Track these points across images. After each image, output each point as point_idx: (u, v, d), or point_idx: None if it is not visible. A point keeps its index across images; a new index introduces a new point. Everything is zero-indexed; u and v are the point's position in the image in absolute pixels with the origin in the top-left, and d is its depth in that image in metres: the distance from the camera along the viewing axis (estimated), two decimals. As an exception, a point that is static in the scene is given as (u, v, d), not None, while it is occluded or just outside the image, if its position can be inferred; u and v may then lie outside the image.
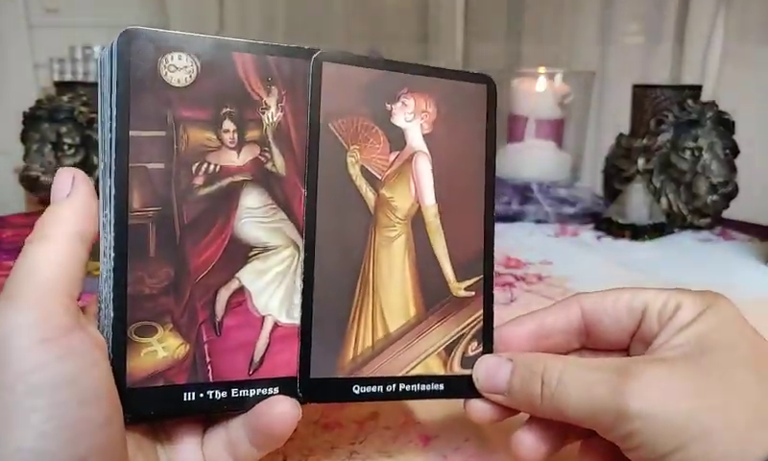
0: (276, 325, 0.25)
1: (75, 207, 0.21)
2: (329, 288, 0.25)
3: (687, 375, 0.22)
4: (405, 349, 0.27)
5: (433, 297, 0.27)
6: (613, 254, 0.68)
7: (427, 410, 0.34)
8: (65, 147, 0.75)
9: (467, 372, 0.27)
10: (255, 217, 0.24)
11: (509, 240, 0.73)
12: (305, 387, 0.25)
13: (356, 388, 0.26)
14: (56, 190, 0.22)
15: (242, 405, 0.24)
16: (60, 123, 0.75)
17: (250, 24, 2.00)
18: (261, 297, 0.25)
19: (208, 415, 0.25)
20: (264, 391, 0.25)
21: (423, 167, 0.27)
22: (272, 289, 0.25)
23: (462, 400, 0.28)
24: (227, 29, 1.99)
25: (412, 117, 0.27)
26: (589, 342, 0.28)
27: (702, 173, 0.75)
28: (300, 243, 0.25)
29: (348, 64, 0.26)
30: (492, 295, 0.28)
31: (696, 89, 0.83)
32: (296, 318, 0.25)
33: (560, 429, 0.26)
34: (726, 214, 0.80)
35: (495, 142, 0.29)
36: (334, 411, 0.34)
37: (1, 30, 2.08)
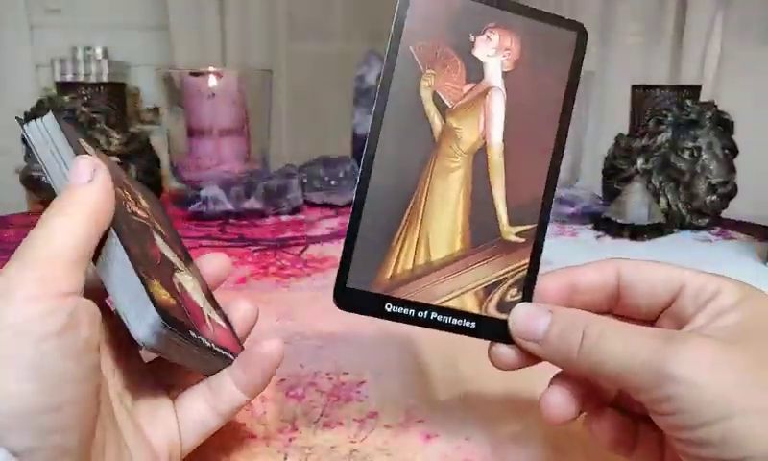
0: (209, 316, 0.29)
1: (95, 194, 0.23)
2: (380, 204, 0.26)
3: (734, 352, 0.22)
4: (444, 279, 0.27)
5: (482, 235, 0.27)
6: (613, 254, 0.67)
7: (428, 408, 0.35)
8: (66, 147, 0.75)
9: (502, 316, 0.27)
10: (164, 247, 0.29)
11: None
12: (340, 294, 0.26)
13: (388, 306, 0.26)
14: (75, 174, 0.24)
15: (217, 360, 0.27)
16: (61, 123, 0.75)
17: (250, 25, 2.00)
18: (193, 296, 0.29)
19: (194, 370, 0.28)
20: (227, 354, 0.28)
21: (497, 104, 0.27)
22: (195, 295, 0.29)
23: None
24: (228, 30, 1.99)
25: (494, 52, 0.27)
26: (618, 307, 0.28)
27: (701, 173, 0.75)
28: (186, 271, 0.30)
29: None
30: (543, 246, 0.28)
31: (695, 89, 0.83)
32: (218, 315, 0.30)
33: (585, 390, 0.26)
34: (725, 214, 0.80)
35: (575, 93, 0.28)
36: (334, 409, 0.34)
37: (2, 30, 2.08)
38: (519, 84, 0.27)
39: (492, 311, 0.27)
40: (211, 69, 0.86)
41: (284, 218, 0.84)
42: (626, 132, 0.87)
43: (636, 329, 0.24)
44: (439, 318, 0.27)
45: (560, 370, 0.27)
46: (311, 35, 2.11)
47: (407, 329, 0.45)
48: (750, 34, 1.46)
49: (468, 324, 0.27)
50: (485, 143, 0.27)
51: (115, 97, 0.83)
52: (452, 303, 0.27)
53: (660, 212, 0.76)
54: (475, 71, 0.27)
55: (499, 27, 0.27)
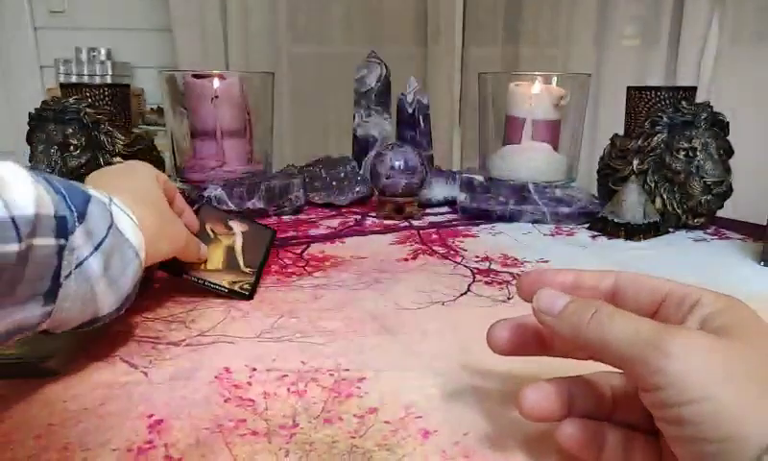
0: None
1: None
2: None
3: (725, 345, 0.24)
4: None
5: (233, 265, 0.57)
6: (609, 254, 0.69)
7: (427, 404, 0.35)
8: (71, 148, 0.76)
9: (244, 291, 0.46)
10: None
11: (506, 239, 0.74)
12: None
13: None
14: None
15: None
16: (66, 124, 0.76)
17: (251, 26, 2.01)
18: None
19: None
20: None
21: None
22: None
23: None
24: (230, 33, 1.99)
25: None
26: None
27: (696, 173, 0.76)
28: None
29: None
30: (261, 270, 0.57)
31: (690, 90, 0.84)
32: None
33: (564, 395, 0.29)
34: (720, 214, 0.81)
35: None
36: (335, 405, 0.35)
37: (7, 32, 2.09)
38: None
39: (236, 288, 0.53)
40: (214, 71, 0.87)
41: (286, 218, 0.85)
42: (622, 132, 0.88)
43: (640, 317, 0.26)
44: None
45: (544, 378, 0.29)
46: (312, 37, 2.12)
47: (406, 328, 0.46)
48: (745, 35, 1.47)
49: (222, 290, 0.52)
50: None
51: (119, 98, 0.84)
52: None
53: (655, 212, 0.77)
54: None
55: None
